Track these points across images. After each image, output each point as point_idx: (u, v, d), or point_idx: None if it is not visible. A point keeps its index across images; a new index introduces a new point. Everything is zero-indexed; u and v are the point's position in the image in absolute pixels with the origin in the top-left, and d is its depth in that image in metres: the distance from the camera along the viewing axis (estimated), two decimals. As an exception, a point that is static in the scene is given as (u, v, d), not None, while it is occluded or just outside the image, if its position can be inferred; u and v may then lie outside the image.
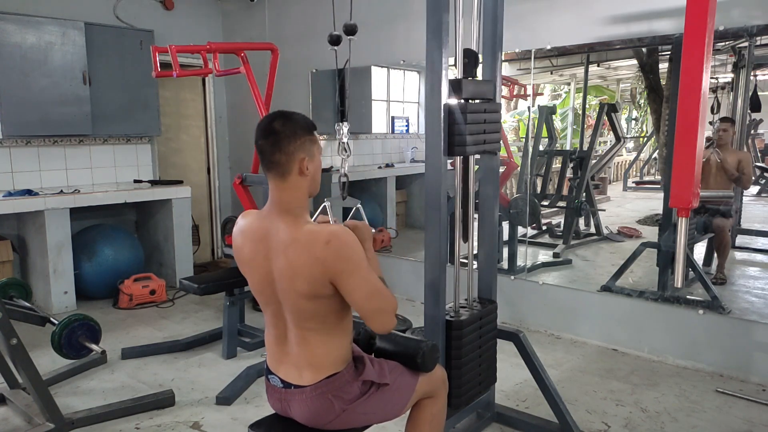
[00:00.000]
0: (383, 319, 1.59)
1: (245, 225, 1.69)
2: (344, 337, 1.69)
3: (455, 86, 2.22)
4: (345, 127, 2.27)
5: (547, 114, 5.18)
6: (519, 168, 5.21)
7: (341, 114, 2.31)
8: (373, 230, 1.87)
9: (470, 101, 2.29)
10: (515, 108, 6.07)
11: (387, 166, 6.03)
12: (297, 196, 1.61)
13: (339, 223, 1.78)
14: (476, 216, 2.65)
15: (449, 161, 2.30)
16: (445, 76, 2.18)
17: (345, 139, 2.26)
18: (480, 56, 2.47)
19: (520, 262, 4.37)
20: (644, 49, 4.47)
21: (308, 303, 1.58)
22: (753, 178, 4.74)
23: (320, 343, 1.64)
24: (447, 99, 2.18)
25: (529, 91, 4.68)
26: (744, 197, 4.51)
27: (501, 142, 2.51)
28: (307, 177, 1.61)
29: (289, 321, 1.66)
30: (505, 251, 4.49)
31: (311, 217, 1.77)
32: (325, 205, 1.89)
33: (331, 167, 5.51)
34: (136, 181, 5.29)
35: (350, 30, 2.32)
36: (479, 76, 2.48)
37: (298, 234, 1.56)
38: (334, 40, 2.35)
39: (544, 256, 4.92)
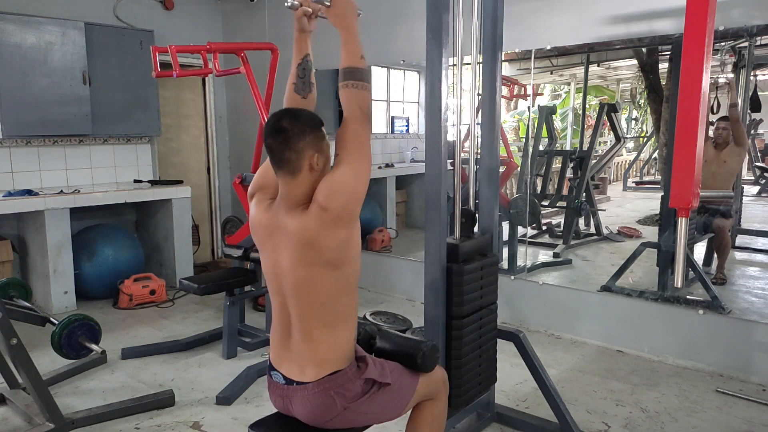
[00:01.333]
0: (369, 118, 1.70)
1: (256, 217, 1.71)
2: (348, 331, 1.69)
3: (453, 251, 2.28)
4: None
5: (547, 114, 5.18)
6: (519, 168, 5.22)
7: None
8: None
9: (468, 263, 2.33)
10: (515, 108, 6.07)
11: (387, 166, 6.03)
12: (306, 192, 1.62)
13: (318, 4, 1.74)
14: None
15: (449, 162, 2.30)
16: (445, 76, 2.18)
17: None
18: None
19: (520, 262, 4.37)
20: (644, 49, 4.47)
21: (331, 274, 1.60)
22: (753, 177, 4.75)
23: (324, 337, 1.65)
24: (445, 263, 2.27)
25: (529, 91, 4.68)
26: (744, 197, 4.52)
27: (501, 141, 2.51)
28: (317, 172, 1.62)
29: (294, 314, 1.66)
30: (505, 251, 4.49)
31: None
32: None
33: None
34: (136, 181, 5.29)
35: None
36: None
37: (305, 222, 1.58)
38: None
39: (544, 256, 4.92)
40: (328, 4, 1.76)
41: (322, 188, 1.59)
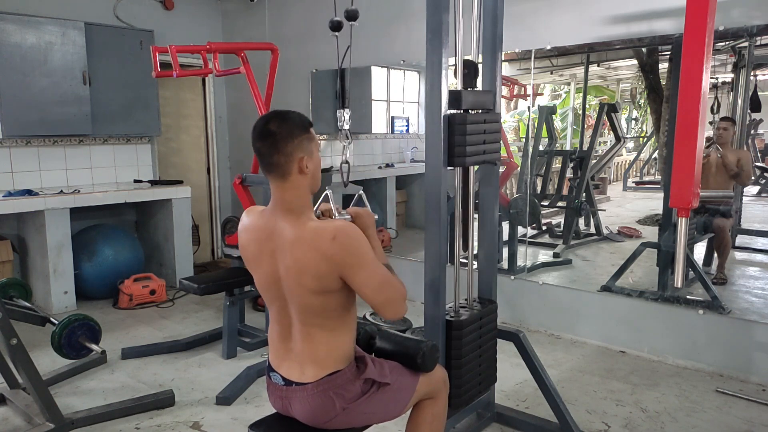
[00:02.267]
0: (395, 309, 1.63)
1: (249, 224, 1.70)
2: (348, 334, 1.70)
3: (455, 97, 2.23)
4: (346, 114, 2.25)
5: (547, 114, 5.18)
6: (519, 168, 5.22)
7: (342, 101, 2.28)
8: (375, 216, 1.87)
9: (470, 112, 2.30)
10: (515, 108, 6.07)
11: (387, 166, 6.03)
12: (299, 195, 1.61)
13: (341, 211, 1.79)
14: (476, 216, 2.66)
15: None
16: (445, 76, 2.18)
17: (346, 126, 2.25)
18: (480, 65, 2.47)
19: (520, 262, 4.37)
20: (644, 49, 4.47)
21: (316, 298, 1.60)
22: (753, 177, 4.75)
23: (324, 339, 1.65)
24: (447, 110, 2.20)
25: (529, 91, 4.68)
26: (744, 197, 4.52)
27: (501, 142, 2.51)
28: (308, 175, 1.62)
29: (294, 317, 1.66)
30: (505, 251, 4.49)
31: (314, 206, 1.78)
32: (327, 193, 1.88)
33: (331, 167, 5.50)
34: (136, 181, 5.29)
35: (352, 15, 2.29)
36: (479, 84, 2.49)
37: (303, 232, 1.57)
38: (335, 26, 2.31)
39: (544, 256, 4.92)
40: (349, 219, 1.79)
41: (349, 225, 1.59)
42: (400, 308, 1.64)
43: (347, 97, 2.28)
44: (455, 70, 2.36)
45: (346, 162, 2.17)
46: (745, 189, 4.58)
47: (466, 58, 2.37)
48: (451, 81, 2.30)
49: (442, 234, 2.25)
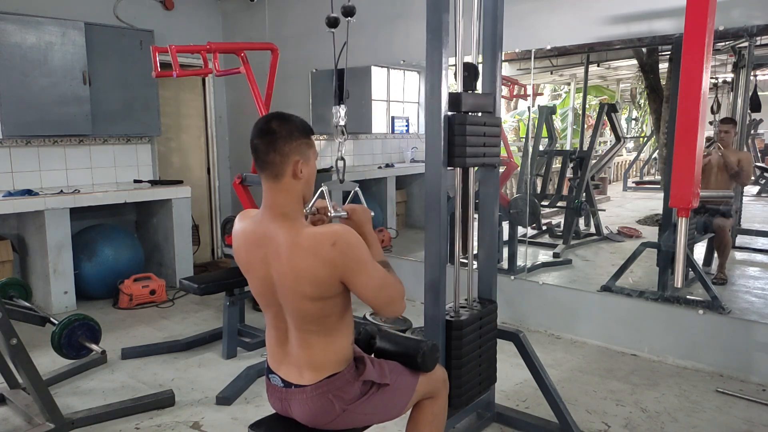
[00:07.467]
0: (394, 308, 1.67)
1: (241, 228, 1.70)
2: (345, 337, 1.69)
3: (455, 100, 2.24)
4: (342, 110, 2.25)
5: (547, 114, 5.18)
6: (519, 168, 5.22)
7: (338, 97, 2.29)
8: (373, 213, 1.87)
9: (470, 114, 2.30)
10: (515, 108, 6.07)
11: (387, 166, 6.03)
12: (291, 199, 1.60)
13: (337, 207, 1.78)
14: (476, 216, 2.66)
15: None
16: (445, 76, 2.18)
17: (342, 123, 2.25)
18: (480, 67, 2.47)
19: (520, 262, 4.37)
20: (644, 49, 4.47)
21: (312, 305, 1.59)
22: (753, 177, 4.75)
23: (321, 344, 1.65)
24: (447, 112, 2.20)
25: (529, 91, 4.68)
26: (744, 197, 4.51)
27: (501, 143, 2.51)
28: (301, 180, 1.60)
29: (290, 323, 1.66)
30: (505, 251, 4.49)
31: (310, 202, 1.77)
32: (322, 190, 1.88)
33: (331, 167, 5.50)
34: (136, 181, 5.29)
35: (349, 11, 2.27)
36: (480, 86, 2.49)
37: (299, 238, 1.56)
38: (332, 23, 2.30)
39: (544, 256, 4.92)
40: (345, 216, 1.80)
41: (347, 230, 1.56)
42: (399, 307, 1.67)
43: (344, 95, 2.28)
44: (455, 72, 2.36)
45: (342, 159, 2.17)
46: (745, 189, 4.58)
47: (467, 60, 2.37)
48: (451, 82, 2.30)
49: (442, 234, 2.25)
